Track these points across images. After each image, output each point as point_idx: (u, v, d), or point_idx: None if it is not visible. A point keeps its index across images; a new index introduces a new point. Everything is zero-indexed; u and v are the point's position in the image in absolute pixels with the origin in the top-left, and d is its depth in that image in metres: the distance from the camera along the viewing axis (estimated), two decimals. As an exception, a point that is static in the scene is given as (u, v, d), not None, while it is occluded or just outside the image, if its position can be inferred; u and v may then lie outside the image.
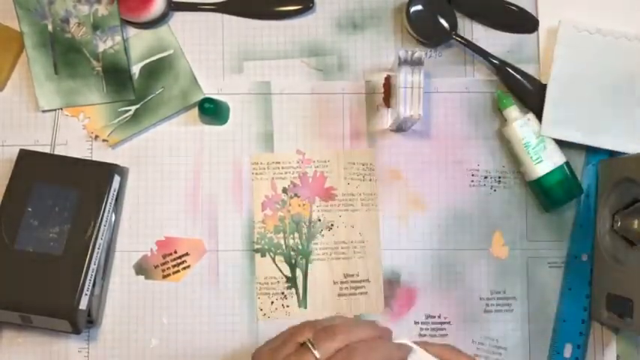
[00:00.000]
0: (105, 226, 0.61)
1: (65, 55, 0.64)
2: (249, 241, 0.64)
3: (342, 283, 0.64)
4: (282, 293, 0.64)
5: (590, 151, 0.65)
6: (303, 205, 0.64)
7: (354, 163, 0.65)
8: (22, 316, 0.59)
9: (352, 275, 0.64)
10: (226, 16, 0.66)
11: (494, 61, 0.65)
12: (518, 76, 0.65)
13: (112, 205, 0.62)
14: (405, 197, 0.65)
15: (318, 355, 0.48)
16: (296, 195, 0.64)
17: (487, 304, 0.64)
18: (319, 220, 0.64)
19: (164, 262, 0.64)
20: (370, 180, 0.65)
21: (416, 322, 0.64)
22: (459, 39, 0.65)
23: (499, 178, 0.65)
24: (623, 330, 0.64)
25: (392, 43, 0.66)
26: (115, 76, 0.64)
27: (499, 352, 0.64)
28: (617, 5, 0.66)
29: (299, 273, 0.64)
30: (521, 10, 0.66)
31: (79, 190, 0.60)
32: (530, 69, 0.65)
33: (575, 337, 0.63)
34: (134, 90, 0.65)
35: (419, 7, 0.65)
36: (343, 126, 0.65)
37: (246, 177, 0.65)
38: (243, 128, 0.65)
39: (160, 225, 0.64)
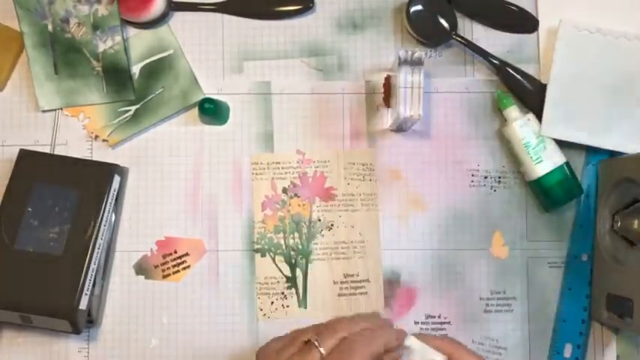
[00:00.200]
0: (105, 226, 0.61)
1: (65, 55, 0.64)
2: (249, 241, 0.64)
3: (342, 283, 0.64)
4: (282, 293, 0.64)
5: (590, 151, 0.65)
6: (303, 205, 0.64)
7: (354, 163, 0.65)
8: (22, 316, 0.59)
9: (352, 275, 0.64)
10: (226, 16, 0.66)
11: (494, 61, 0.65)
12: (518, 76, 0.65)
13: (112, 205, 0.62)
14: (405, 197, 0.65)
15: (322, 351, 0.49)
16: (296, 195, 0.64)
17: (487, 304, 0.64)
18: (319, 220, 0.64)
19: (164, 262, 0.64)
20: (370, 180, 0.65)
21: (416, 322, 0.64)
22: (459, 39, 0.65)
23: (499, 178, 0.65)
24: (623, 330, 0.64)
25: (392, 43, 0.66)
26: (115, 76, 0.64)
27: (499, 352, 0.64)
28: (617, 5, 0.66)
29: (299, 273, 0.64)
30: (521, 10, 0.66)
31: (79, 190, 0.60)
32: (530, 69, 0.65)
33: (575, 337, 0.63)
34: (134, 90, 0.65)
35: (419, 7, 0.65)
36: (343, 126, 0.65)
37: (246, 177, 0.65)
38: (243, 128, 0.65)
39: (160, 225, 0.64)
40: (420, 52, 0.60)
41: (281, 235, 0.64)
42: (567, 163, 0.63)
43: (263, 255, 0.64)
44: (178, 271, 0.64)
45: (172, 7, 0.65)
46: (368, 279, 0.64)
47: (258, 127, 0.65)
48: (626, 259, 0.60)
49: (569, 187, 0.63)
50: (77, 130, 0.65)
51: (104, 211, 0.61)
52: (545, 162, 0.62)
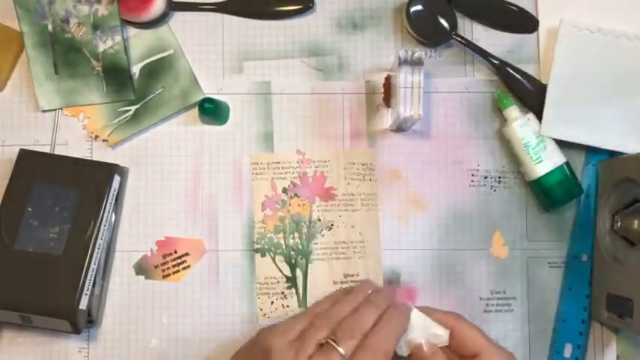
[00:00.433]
0: (105, 226, 0.61)
1: (65, 55, 0.64)
2: (249, 241, 0.64)
3: (342, 283, 0.64)
4: (282, 293, 0.64)
5: (590, 151, 0.65)
6: (303, 205, 0.64)
7: (354, 163, 0.65)
8: (22, 316, 0.59)
9: (352, 275, 0.64)
10: (226, 16, 0.66)
11: (494, 61, 0.65)
12: (518, 76, 0.65)
13: (112, 205, 0.62)
14: (405, 197, 0.65)
15: (343, 352, 0.50)
16: (296, 195, 0.64)
17: (487, 304, 0.64)
18: (319, 220, 0.64)
19: (164, 262, 0.64)
20: (370, 180, 0.65)
21: (416, 322, 0.64)
22: (459, 39, 0.65)
23: (499, 178, 0.65)
24: (623, 330, 0.64)
25: (392, 43, 0.66)
26: (115, 76, 0.64)
27: (499, 352, 0.64)
28: (618, 5, 0.66)
29: (299, 273, 0.64)
30: (521, 10, 0.66)
31: (79, 190, 0.60)
32: (530, 69, 0.65)
33: (575, 337, 0.63)
34: (134, 90, 0.65)
35: (419, 7, 0.65)
36: (343, 126, 0.65)
37: (246, 177, 0.65)
38: (243, 128, 0.65)
39: (160, 225, 0.64)
40: (420, 52, 0.60)
41: (281, 235, 0.64)
42: (567, 163, 0.63)
43: (263, 255, 0.64)
44: (178, 271, 0.64)
45: (172, 7, 0.65)
46: (368, 279, 0.64)
47: (258, 127, 0.65)
48: (626, 259, 0.60)
49: (569, 187, 0.63)
50: (77, 130, 0.65)
51: (104, 211, 0.61)
52: (545, 162, 0.62)
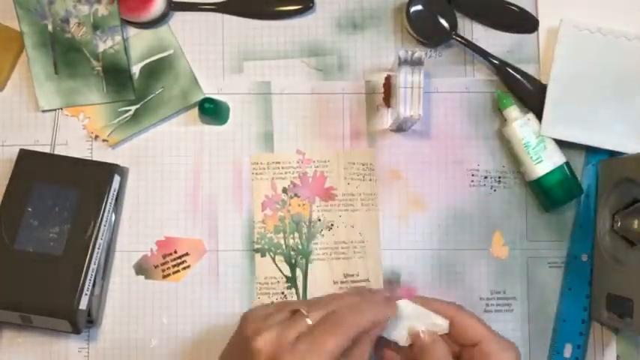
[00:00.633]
0: (105, 226, 0.61)
1: (65, 55, 0.64)
2: (249, 241, 0.64)
3: (342, 283, 0.64)
4: (282, 293, 0.64)
5: (590, 151, 0.65)
6: (303, 205, 0.64)
7: (354, 163, 0.65)
8: (22, 316, 0.59)
9: (352, 275, 0.64)
10: (226, 16, 0.66)
11: (494, 61, 0.65)
12: (518, 76, 0.65)
13: (112, 205, 0.62)
14: (405, 197, 0.65)
15: (309, 322, 0.50)
16: (296, 195, 0.64)
17: (487, 304, 0.64)
18: (319, 220, 0.64)
19: (164, 262, 0.64)
20: (370, 180, 0.65)
21: (416, 322, 0.64)
22: (459, 39, 0.65)
23: (499, 178, 0.65)
24: (623, 330, 0.64)
25: (392, 43, 0.66)
26: (115, 76, 0.64)
27: (499, 352, 0.64)
28: (618, 5, 0.66)
29: (299, 273, 0.64)
30: (521, 10, 0.66)
31: (79, 190, 0.60)
32: (530, 69, 0.65)
33: (575, 337, 0.63)
34: (134, 90, 0.65)
35: (419, 7, 0.65)
36: (343, 126, 0.65)
37: (246, 177, 0.65)
38: (243, 128, 0.65)
39: (160, 225, 0.64)
40: (420, 52, 0.60)
41: (281, 235, 0.64)
42: (567, 163, 0.63)
43: (263, 255, 0.64)
44: (178, 271, 0.64)
45: (172, 7, 0.65)
46: (368, 279, 0.64)
47: (258, 127, 0.65)
48: (626, 259, 0.60)
49: (569, 187, 0.63)
50: (77, 130, 0.65)
51: (104, 211, 0.61)
52: (545, 162, 0.62)
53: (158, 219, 0.64)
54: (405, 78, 0.60)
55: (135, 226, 0.64)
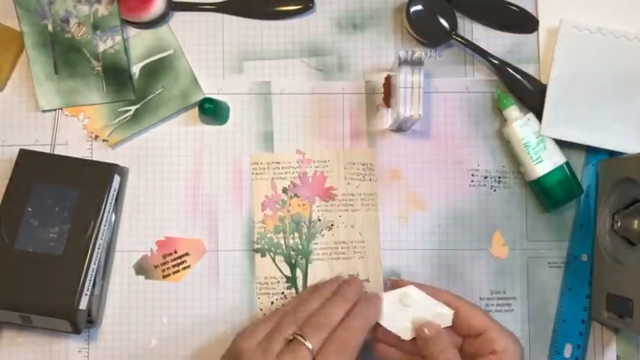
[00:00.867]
0: (105, 226, 0.61)
1: (65, 55, 0.64)
2: (249, 241, 0.64)
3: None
4: (282, 293, 0.64)
5: (590, 151, 0.65)
6: (303, 205, 0.64)
7: (354, 163, 0.65)
8: (22, 316, 0.59)
9: (352, 275, 0.64)
10: (226, 16, 0.66)
11: (494, 61, 0.65)
12: (518, 76, 0.65)
13: (112, 205, 0.62)
14: (405, 197, 0.65)
15: (310, 347, 0.51)
16: (296, 195, 0.64)
17: (487, 304, 0.64)
18: (319, 220, 0.64)
19: (164, 262, 0.64)
20: (370, 180, 0.65)
21: (416, 322, 0.64)
22: (459, 39, 0.65)
23: (499, 178, 0.65)
24: (623, 330, 0.64)
25: (392, 43, 0.66)
26: (115, 76, 0.64)
27: (499, 352, 0.64)
28: (618, 5, 0.66)
29: (299, 273, 0.64)
30: (521, 10, 0.66)
31: (79, 190, 0.60)
32: (530, 69, 0.65)
33: (575, 337, 0.63)
34: (134, 90, 0.65)
35: (419, 7, 0.65)
36: (343, 126, 0.65)
37: (246, 177, 0.65)
38: (243, 128, 0.65)
39: (160, 225, 0.64)
40: (420, 52, 0.60)
41: (281, 235, 0.64)
42: (567, 163, 0.63)
43: (263, 255, 0.64)
44: (178, 271, 0.64)
45: (172, 7, 0.65)
46: (368, 279, 0.64)
47: (258, 127, 0.65)
48: (626, 259, 0.60)
49: (569, 187, 0.63)
50: (77, 130, 0.65)
51: (104, 211, 0.61)
52: (545, 162, 0.62)
53: (158, 219, 0.64)
54: (405, 78, 0.60)
55: (135, 226, 0.64)
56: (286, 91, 0.65)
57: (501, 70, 0.65)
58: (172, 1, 0.65)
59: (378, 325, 0.58)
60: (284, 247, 0.64)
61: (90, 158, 0.64)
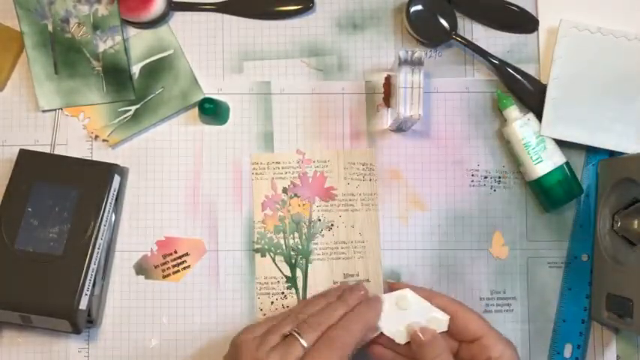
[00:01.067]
0: (105, 226, 0.61)
1: (65, 55, 0.64)
2: (249, 241, 0.64)
3: (342, 283, 0.64)
4: (282, 293, 0.64)
5: (590, 151, 0.65)
6: (303, 205, 0.64)
7: (354, 163, 0.65)
8: (22, 316, 0.59)
9: (352, 275, 0.64)
10: (226, 16, 0.66)
11: (494, 61, 0.65)
12: (518, 76, 0.65)
13: (112, 205, 0.62)
14: (405, 197, 0.65)
15: (305, 344, 0.51)
16: (296, 195, 0.64)
17: (487, 304, 0.64)
18: (319, 220, 0.64)
19: (164, 262, 0.64)
20: (370, 180, 0.65)
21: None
22: (459, 39, 0.65)
23: (499, 178, 0.65)
24: (623, 330, 0.64)
25: (392, 43, 0.66)
26: (115, 76, 0.64)
27: (499, 352, 0.64)
28: (618, 5, 0.66)
29: (299, 273, 0.64)
30: (521, 10, 0.66)
31: (79, 190, 0.60)
32: (530, 69, 0.65)
33: (575, 337, 0.63)
34: (134, 90, 0.65)
35: (419, 7, 0.65)
36: (343, 126, 0.65)
37: (246, 177, 0.65)
38: (243, 128, 0.65)
39: (160, 225, 0.64)
40: (420, 52, 0.60)
41: (281, 235, 0.64)
42: (567, 163, 0.63)
43: (263, 255, 0.64)
44: (178, 271, 0.64)
45: (172, 7, 0.65)
46: (368, 279, 0.64)
47: (258, 127, 0.65)
48: (626, 259, 0.60)
49: (569, 187, 0.63)
50: (77, 130, 0.65)
51: (104, 211, 0.61)
52: (545, 162, 0.62)
53: (158, 219, 0.64)
54: (405, 78, 0.60)
55: (135, 226, 0.64)
56: (286, 91, 0.65)
57: (501, 70, 0.65)
58: (172, 1, 0.65)
59: None
60: (284, 247, 0.64)
61: (90, 158, 0.64)
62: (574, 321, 0.63)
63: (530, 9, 0.66)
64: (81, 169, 0.62)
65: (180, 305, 0.63)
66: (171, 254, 0.64)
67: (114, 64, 0.64)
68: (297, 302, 0.63)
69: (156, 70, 0.65)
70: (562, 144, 0.63)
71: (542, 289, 0.65)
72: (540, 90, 0.64)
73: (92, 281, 0.60)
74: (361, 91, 0.66)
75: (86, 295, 0.59)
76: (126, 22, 0.65)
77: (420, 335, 0.55)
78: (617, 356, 0.64)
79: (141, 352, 0.63)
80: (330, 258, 0.64)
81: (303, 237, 0.64)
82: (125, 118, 0.64)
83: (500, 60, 0.65)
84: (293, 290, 0.64)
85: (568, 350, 0.63)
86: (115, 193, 0.62)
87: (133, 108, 0.65)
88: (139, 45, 0.65)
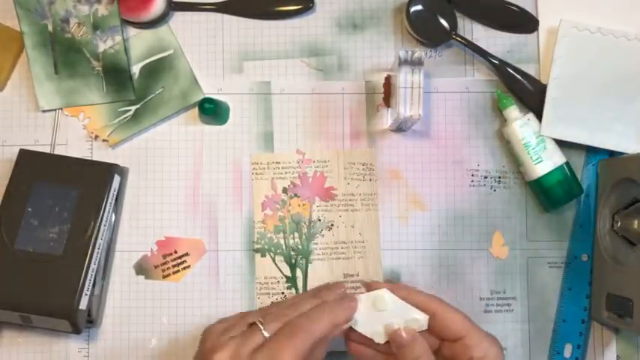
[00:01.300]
0: (105, 226, 0.61)
1: (65, 55, 0.64)
2: (249, 241, 0.64)
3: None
4: (282, 293, 0.64)
5: (590, 151, 0.65)
6: (303, 205, 0.64)
7: (354, 163, 0.65)
8: (22, 316, 0.59)
9: (352, 275, 0.64)
10: (226, 16, 0.66)
11: (494, 61, 0.65)
12: (518, 76, 0.65)
13: (112, 205, 0.62)
14: (405, 197, 0.65)
15: (266, 334, 0.50)
16: (296, 195, 0.64)
17: (487, 304, 0.64)
18: (319, 220, 0.64)
19: (164, 262, 0.64)
20: (370, 180, 0.65)
21: (416, 322, 0.64)
22: (459, 39, 0.65)
23: (499, 178, 0.65)
24: (623, 330, 0.64)
25: (392, 43, 0.66)
26: (115, 76, 0.64)
27: (499, 352, 0.64)
28: (618, 5, 0.66)
29: (299, 273, 0.64)
30: (521, 10, 0.66)
31: (79, 190, 0.60)
32: (530, 69, 0.65)
33: (575, 337, 0.63)
34: (134, 90, 0.65)
35: (419, 7, 0.65)
36: (343, 126, 0.65)
37: (246, 177, 0.65)
38: (243, 128, 0.65)
39: (160, 225, 0.64)
40: (420, 52, 0.60)
41: (281, 235, 0.64)
42: (567, 163, 0.63)
43: (263, 255, 0.64)
44: (178, 271, 0.64)
45: (172, 7, 0.65)
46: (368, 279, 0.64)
47: (258, 127, 0.65)
48: (626, 259, 0.60)
49: (569, 187, 0.63)
50: (77, 130, 0.65)
51: (104, 211, 0.61)
52: (545, 162, 0.62)
53: (158, 219, 0.64)
54: (405, 78, 0.60)
55: (135, 226, 0.64)
56: (286, 91, 0.66)
57: (501, 70, 0.65)
58: (172, 1, 0.65)
59: (351, 329, 0.55)
60: (284, 247, 0.64)
61: (90, 158, 0.64)
62: (574, 321, 0.63)
63: (530, 9, 0.66)
64: (81, 169, 0.62)
65: (180, 305, 0.63)
66: (171, 254, 0.64)
67: (114, 64, 0.64)
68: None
69: (156, 70, 0.65)
70: (562, 144, 0.63)
71: (542, 289, 0.65)
72: (540, 90, 0.64)
73: (92, 281, 0.60)
74: (361, 91, 0.66)
75: (86, 295, 0.59)
76: (126, 22, 0.65)
77: (401, 335, 0.53)
78: (617, 356, 0.64)
79: (141, 352, 0.63)
80: (330, 258, 0.64)
81: (303, 237, 0.64)
82: (125, 118, 0.64)
83: (500, 60, 0.65)
84: (293, 290, 0.64)
85: (568, 350, 0.63)
86: (115, 193, 0.63)
87: (133, 108, 0.65)
88: (139, 45, 0.65)
